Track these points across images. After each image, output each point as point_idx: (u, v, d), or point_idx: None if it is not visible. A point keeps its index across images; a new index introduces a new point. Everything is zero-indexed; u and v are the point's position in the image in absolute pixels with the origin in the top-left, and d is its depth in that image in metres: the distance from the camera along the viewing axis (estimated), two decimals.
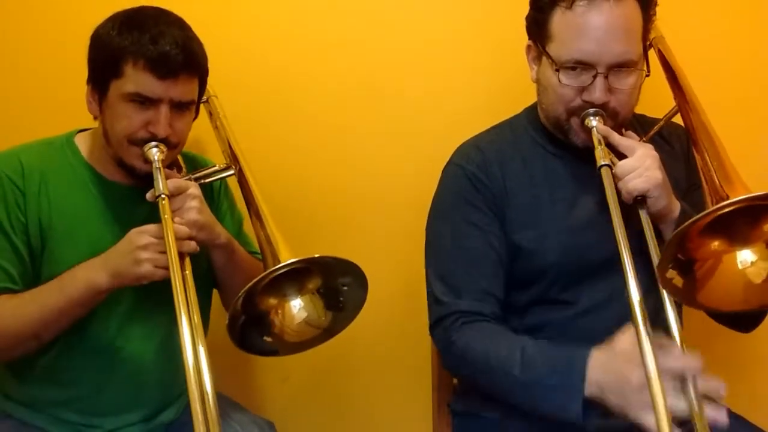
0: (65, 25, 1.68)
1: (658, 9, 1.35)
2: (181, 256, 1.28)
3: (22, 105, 1.78)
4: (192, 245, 1.31)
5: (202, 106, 1.55)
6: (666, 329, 1.17)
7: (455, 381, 1.63)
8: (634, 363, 1.12)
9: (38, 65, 1.77)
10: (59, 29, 1.74)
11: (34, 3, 1.77)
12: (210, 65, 1.42)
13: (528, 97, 1.49)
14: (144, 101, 1.33)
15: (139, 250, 1.27)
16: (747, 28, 1.79)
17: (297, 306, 1.34)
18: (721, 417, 1.10)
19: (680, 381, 1.11)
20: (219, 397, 1.51)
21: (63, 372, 1.41)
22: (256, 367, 1.89)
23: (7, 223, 1.35)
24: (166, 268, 1.25)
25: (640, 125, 1.46)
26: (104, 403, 1.44)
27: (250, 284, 1.22)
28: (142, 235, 1.29)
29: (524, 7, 1.40)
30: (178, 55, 1.31)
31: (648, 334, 1.09)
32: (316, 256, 1.25)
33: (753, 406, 1.53)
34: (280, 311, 1.33)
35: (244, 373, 1.88)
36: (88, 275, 1.30)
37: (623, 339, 1.18)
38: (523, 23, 1.41)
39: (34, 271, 1.38)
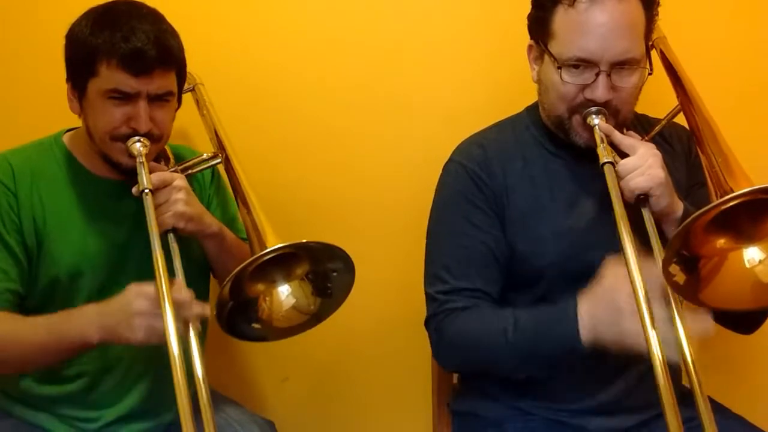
0: (60, 23, 1.67)
1: (660, 9, 1.35)
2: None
3: (15, 107, 1.78)
4: (197, 310, 1.24)
5: (189, 94, 1.54)
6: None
7: (455, 381, 1.63)
8: (622, 290, 1.16)
9: (33, 66, 1.77)
10: (54, 27, 1.73)
11: (29, 3, 1.77)
12: (198, 54, 1.42)
13: (527, 97, 1.49)
14: (122, 97, 1.32)
15: (135, 317, 1.22)
16: (748, 27, 1.79)
17: (285, 292, 1.34)
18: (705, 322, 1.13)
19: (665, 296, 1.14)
20: (219, 396, 1.52)
21: (59, 369, 1.41)
22: (256, 366, 1.89)
23: (1, 225, 1.35)
24: (162, 335, 1.20)
25: (642, 125, 1.46)
26: (103, 394, 1.44)
27: (237, 270, 1.22)
28: (139, 298, 1.23)
29: (523, 7, 1.40)
30: (150, 50, 1.30)
31: (634, 251, 1.14)
32: (303, 241, 1.25)
33: (753, 406, 1.53)
34: (268, 297, 1.33)
35: (244, 373, 1.88)
36: (82, 328, 1.27)
37: (607, 272, 1.22)
38: (522, 23, 1.41)
39: (32, 271, 1.38)
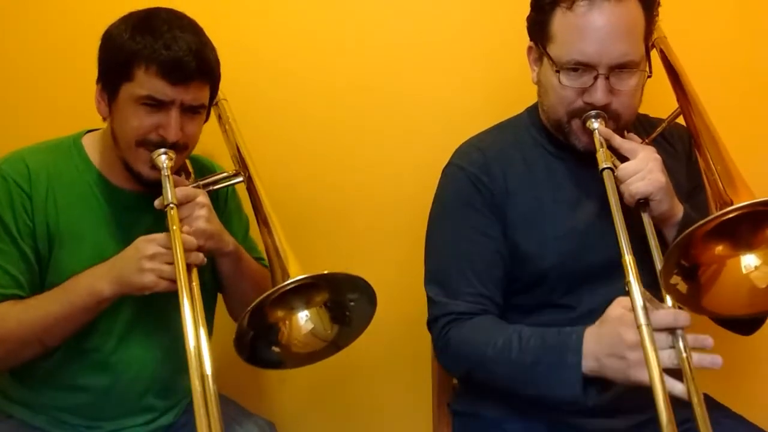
0: (73, 25, 1.68)
1: (660, 9, 1.34)
2: (189, 267, 1.26)
3: (28, 106, 1.78)
4: (200, 257, 1.30)
5: (211, 109, 1.54)
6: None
7: (455, 381, 1.63)
8: (627, 323, 1.15)
9: (45, 65, 1.77)
10: (67, 29, 1.73)
11: (40, 2, 1.76)
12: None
13: (528, 97, 1.48)
14: (155, 104, 1.31)
15: (144, 260, 1.26)
16: (749, 28, 1.78)
17: (303, 317, 1.32)
18: (717, 359, 1.12)
19: (671, 335, 1.14)
20: (219, 397, 1.52)
21: (64, 379, 1.40)
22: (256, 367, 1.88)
23: (15, 229, 1.34)
24: (170, 279, 1.24)
25: (642, 126, 1.46)
26: (104, 410, 1.43)
27: (258, 300, 1.21)
28: (149, 243, 1.27)
29: (524, 8, 1.39)
30: (191, 61, 1.30)
31: (640, 289, 1.13)
32: (326, 272, 1.24)
33: (753, 406, 1.53)
34: (287, 322, 1.31)
35: (244, 373, 1.84)
36: (92, 282, 1.29)
37: (613, 308, 1.20)
38: (522, 23, 1.40)
39: (41, 276, 1.37)
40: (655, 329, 1.11)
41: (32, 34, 1.76)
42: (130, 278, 1.27)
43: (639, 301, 1.12)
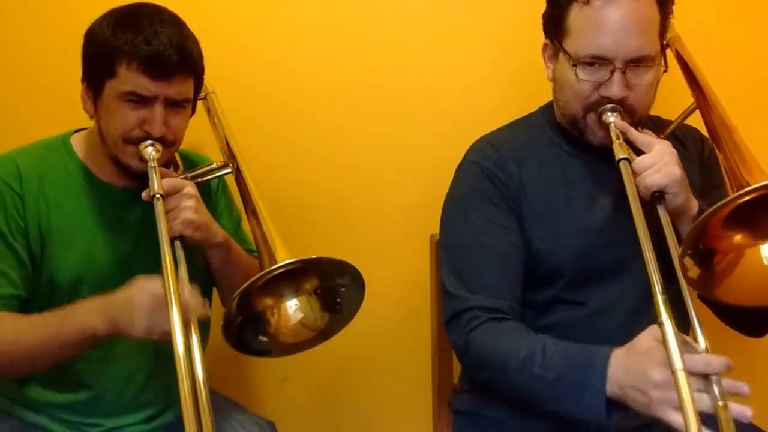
0: (72, 24, 1.65)
1: (674, 8, 1.35)
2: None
3: (18, 106, 1.77)
4: (200, 312, 1.25)
5: (199, 102, 1.53)
6: (687, 325, 1.16)
7: (455, 380, 1.64)
8: (655, 360, 1.10)
9: (34, 65, 1.76)
10: (66, 29, 1.70)
11: (40, 2, 1.75)
12: (209, 62, 1.40)
13: (539, 96, 1.49)
14: (139, 100, 1.31)
15: (137, 313, 1.22)
16: (763, 26, 1.79)
17: (293, 306, 1.32)
18: (746, 411, 1.09)
19: (703, 379, 1.08)
20: (220, 397, 1.52)
21: (63, 378, 1.40)
22: (256, 367, 1.88)
23: (6, 229, 1.34)
24: (163, 332, 1.19)
25: (656, 127, 1.45)
26: (103, 407, 1.43)
27: (245, 285, 1.20)
28: (143, 295, 1.23)
29: (536, 6, 1.40)
30: (172, 55, 1.29)
31: (673, 330, 1.09)
32: (313, 256, 1.23)
33: (756, 408, 1.52)
34: (275, 311, 1.31)
35: (244, 373, 1.87)
36: (88, 319, 1.26)
37: (644, 338, 1.15)
38: (533, 22, 1.41)
39: (35, 275, 1.36)
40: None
41: (32, 34, 1.75)
42: (124, 326, 1.23)
43: (673, 342, 1.08)
